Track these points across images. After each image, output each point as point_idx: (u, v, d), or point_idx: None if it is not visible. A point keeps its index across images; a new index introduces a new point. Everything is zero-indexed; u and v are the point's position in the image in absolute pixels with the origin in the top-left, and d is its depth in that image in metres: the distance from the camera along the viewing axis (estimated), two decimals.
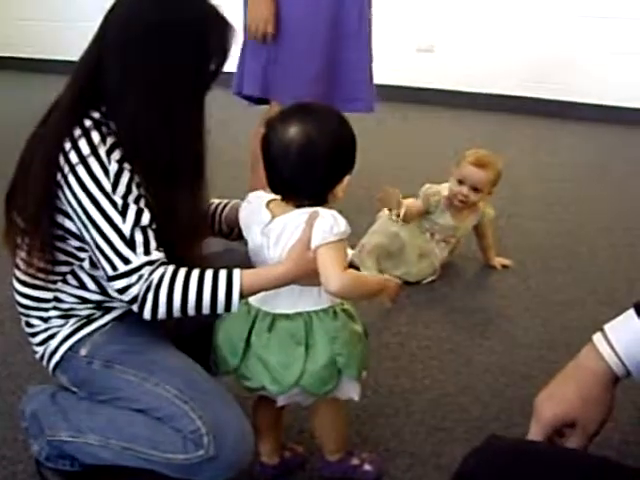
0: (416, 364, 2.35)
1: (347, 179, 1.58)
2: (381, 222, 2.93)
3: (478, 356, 2.41)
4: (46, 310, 1.66)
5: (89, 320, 1.66)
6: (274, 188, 1.59)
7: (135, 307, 1.51)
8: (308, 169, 1.53)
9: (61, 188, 1.51)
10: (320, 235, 1.49)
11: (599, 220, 3.72)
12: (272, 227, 1.57)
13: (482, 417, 2.08)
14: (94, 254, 1.52)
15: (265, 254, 1.59)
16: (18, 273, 1.67)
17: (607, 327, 1.22)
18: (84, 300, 1.65)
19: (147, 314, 1.50)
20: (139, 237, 1.49)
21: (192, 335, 1.74)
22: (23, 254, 1.62)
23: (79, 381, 1.67)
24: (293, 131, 1.52)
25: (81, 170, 1.48)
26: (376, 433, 1.99)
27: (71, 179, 1.49)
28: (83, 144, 1.49)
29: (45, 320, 1.66)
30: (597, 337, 1.21)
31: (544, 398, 1.21)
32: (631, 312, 1.22)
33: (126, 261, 1.48)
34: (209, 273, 1.50)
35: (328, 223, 1.50)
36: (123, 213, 1.48)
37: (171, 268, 1.50)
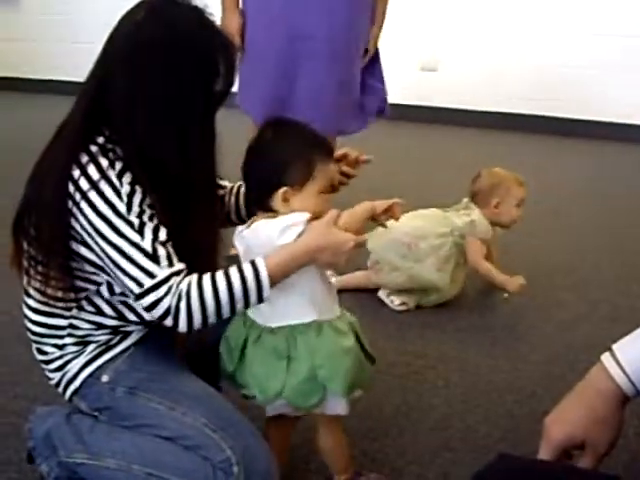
0: (422, 383, 2.34)
1: (282, 191, 1.58)
2: (388, 254, 2.84)
3: (485, 375, 2.40)
4: (61, 337, 1.65)
5: (108, 346, 1.65)
6: None
7: (169, 321, 1.48)
8: (247, 169, 1.67)
9: (74, 216, 1.50)
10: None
11: (603, 237, 3.71)
12: (245, 234, 1.63)
13: (489, 436, 2.07)
14: (116, 277, 1.51)
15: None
16: (29, 301, 1.66)
17: (615, 347, 1.21)
18: (100, 326, 1.64)
19: (183, 324, 1.48)
20: (162, 251, 1.48)
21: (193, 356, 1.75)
22: (36, 283, 1.60)
23: (100, 407, 1.66)
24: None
25: (93, 196, 1.47)
26: (382, 453, 1.98)
27: (84, 206, 1.48)
28: (92, 170, 1.49)
29: (60, 347, 1.65)
30: (605, 357, 1.21)
31: (553, 419, 1.21)
32: (639, 331, 1.22)
33: (152, 275, 1.46)
34: (232, 267, 1.50)
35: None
36: (141, 231, 1.48)
37: (195, 274, 1.49)
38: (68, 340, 1.64)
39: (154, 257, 1.47)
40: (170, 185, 1.55)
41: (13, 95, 6.85)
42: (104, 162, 1.50)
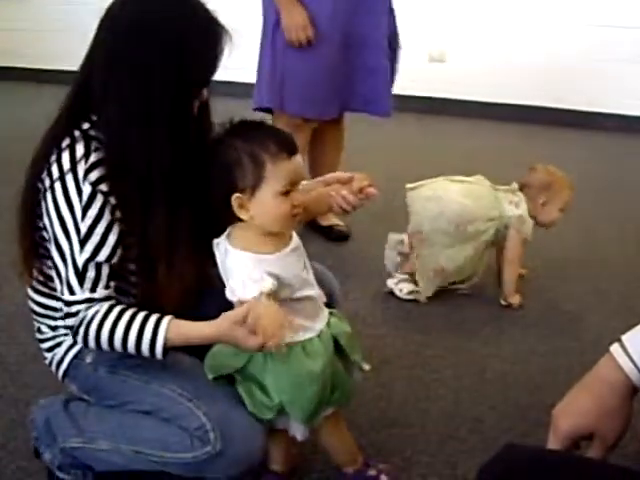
0: (430, 373, 2.34)
1: (234, 198, 1.52)
2: (432, 225, 2.79)
3: (492, 365, 2.40)
4: (55, 319, 1.68)
5: None
6: None
7: (71, 335, 1.55)
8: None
9: (40, 201, 1.54)
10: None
11: (613, 230, 3.70)
12: (219, 247, 1.57)
13: (496, 426, 2.07)
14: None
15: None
16: (33, 280, 1.68)
17: (624, 337, 1.21)
18: None
19: (80, 344, 1.55)
20: (91, 272, 1.50)
21: None
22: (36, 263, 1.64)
23: (88, 388, 1.70)
24: None
25: (58, 188, 1.50)
26: (390, 443, 1.99)
27: (48, 195, 1.51)
28: (65, 158, 1.50)
29: (53, 328, 1.69)
30: (614, 348, 1.20)
31: (561, 410, 1.21)
32: None
33: (71, 292, 1.51)
34: (139, 318, 1.50)
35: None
36: (83, 243, 1.50)
37: (105, 307, 1.51)
38: (61, 323, 1.66)
39: (81, 276, 1.50)
40: (135, 176, 1.53)
41: (21, 84, 6.87)
42: (80, 150, 1.51)
